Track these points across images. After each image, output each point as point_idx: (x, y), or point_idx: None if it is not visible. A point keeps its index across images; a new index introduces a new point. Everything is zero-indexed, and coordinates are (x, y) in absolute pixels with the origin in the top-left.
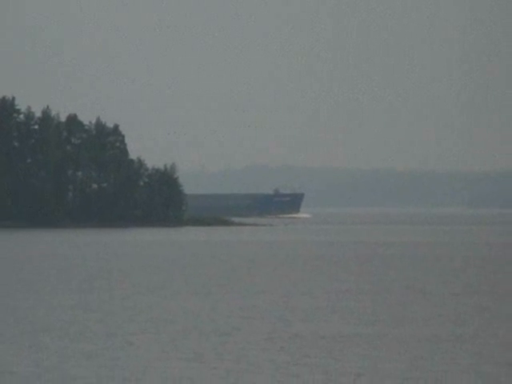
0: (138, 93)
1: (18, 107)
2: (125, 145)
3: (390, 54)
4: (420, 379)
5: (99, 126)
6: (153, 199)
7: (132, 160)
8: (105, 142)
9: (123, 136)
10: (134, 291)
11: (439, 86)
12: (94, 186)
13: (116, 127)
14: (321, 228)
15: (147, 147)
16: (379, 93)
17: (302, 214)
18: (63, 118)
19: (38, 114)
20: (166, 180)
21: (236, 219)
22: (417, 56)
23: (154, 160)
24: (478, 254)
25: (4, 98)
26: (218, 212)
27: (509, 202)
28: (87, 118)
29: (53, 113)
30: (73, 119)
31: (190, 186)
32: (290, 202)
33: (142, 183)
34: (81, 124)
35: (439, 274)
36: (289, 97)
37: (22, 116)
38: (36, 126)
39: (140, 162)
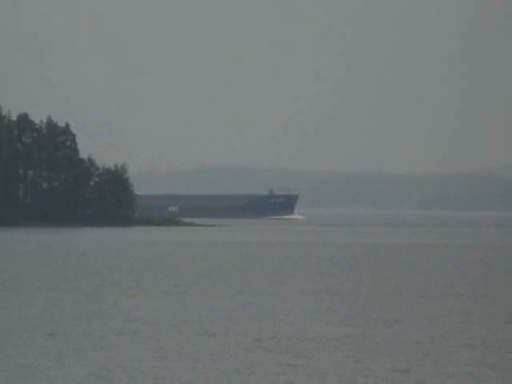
0: (89, 92)
1: None
2: (75, 144)
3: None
4: (404, 381)
5: (50, 125)
6: (103, 199)
7: (82, 159)
8: (56, 142)
9: (74, 135)
10: (104, 291)
11: (394, 89)
12: (45, 185)
13: (67, 126)
14: (278, 229)
15: (98, 146)
16: (344, 93)
17: (297, 216)
18: (14, 117)
19: None
20: (117, 180)
21: (188, 220)
22: (381, 67)
23: (104, 159)
24: (456, 256)
25: None
26: (211, 213)
27: (458, 203)
28: (38, 117)
29: (4, 111)
30: (24, 118)
31: (140, 186)
32: (284, 204)
33: (92, 183)
34: (32, 123)
35: (419, 276)
36: (243, 97)
37: None
38: None
39: (90, 162)
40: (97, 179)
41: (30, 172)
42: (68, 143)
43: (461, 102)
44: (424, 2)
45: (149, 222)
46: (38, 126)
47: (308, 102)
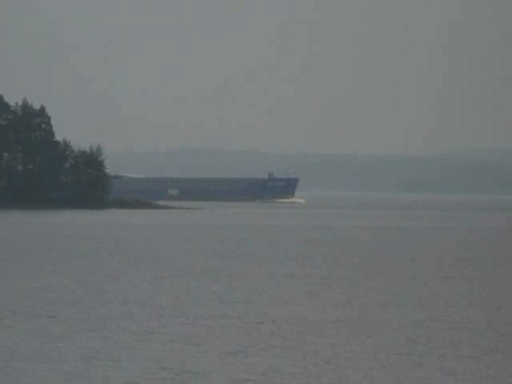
0: (64, 74)
1: None
2: (51, 126)
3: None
4: (397, 363)
5: (25, 107)
6: (78, 181)
7: (58, 142)
8: (31, 124)
9: (49, 117)
10: (88, 273)
11: (367, 70)
12: (20, 167)
13: (42, 109)
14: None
15: (73, 129)
16: (320, 76)
17: (297, 199)
18: None
19: None
20: (92, 162)
21: (162, 203)
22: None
23: (79, 142)
24: (440, 239)
25: None
26: (210, 196)
27: (432, 186)
28: (13, 100)
29: None
30: None
31: (113, 168)
32: (284, 187)
33: (67, 165)
34: (7, 105)
35: (408, 258)
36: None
37: None
38: None
39: (66, 144)
40: (72, 162)
41: (5, 154)
42: (43, 125)
43: (437, 86)
44: None
45: (124, 204)
46: (12, 109)
47: (281, 83)
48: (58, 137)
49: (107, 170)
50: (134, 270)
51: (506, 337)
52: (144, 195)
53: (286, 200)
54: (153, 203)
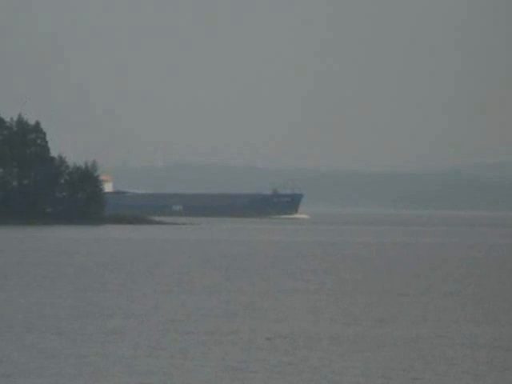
0: (60, 89)
1: None
2: (46, 142)
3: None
4: (398, 379)
5: (20, 123)
6: (74, 197)
7: (53, 157)
8: (26, 139)
9: (44, 133)
10: (87, 289)
11: (366, 84)
12: (15, 182)
13: (37, 124)
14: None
15: (69, 144)
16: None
17: (301, 215)
18: None
19: None
20: (87, 178)
21: (158, 218)
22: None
23: (75, 157)
24: (441, 255)
25: None
26: (213, 212)
27: (434, 201)
28: (8, 115)
29: None
30: None
31: (114, 184)
32: (288, 203)
33: (62, 181)
34: (2, 121)
35: (409, 275)
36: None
37: None
38: None
39: (61, 160)
40: (67, 177)
41: (1, 170)
42: (38, 141)
43: (437, 101)
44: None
45: (119, 220)
46: (8, 124)
47: (276, 101)
48: (54, 152)
49: (103, 187)
50: (134, 286)
51: (509, 353)
52: (147, 211)
53: (290, 216)
54: (148, 219)
